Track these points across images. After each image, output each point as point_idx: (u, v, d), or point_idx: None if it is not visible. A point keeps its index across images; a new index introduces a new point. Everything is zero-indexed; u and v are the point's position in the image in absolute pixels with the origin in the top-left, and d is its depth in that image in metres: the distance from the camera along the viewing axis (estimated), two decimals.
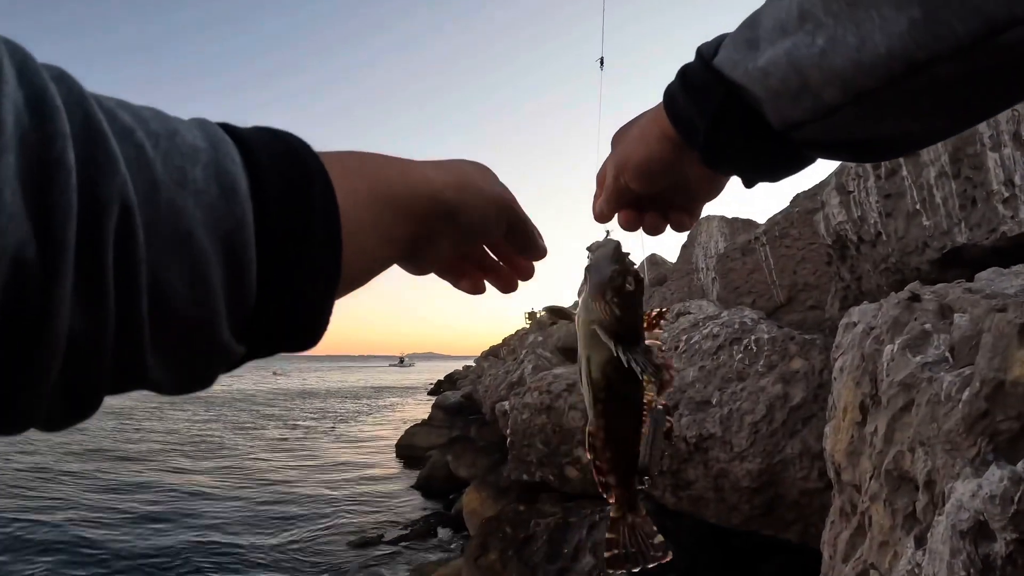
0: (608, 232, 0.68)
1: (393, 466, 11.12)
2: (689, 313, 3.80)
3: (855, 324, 1.93)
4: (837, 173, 3.30)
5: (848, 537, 1.63)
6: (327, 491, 9.19)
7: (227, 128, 0.36)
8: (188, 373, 0.34)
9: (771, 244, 4.69)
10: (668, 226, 0.68)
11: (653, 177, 0.62)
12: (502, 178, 0.56)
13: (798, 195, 5.16)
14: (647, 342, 0.67)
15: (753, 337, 3.11)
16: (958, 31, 0.37)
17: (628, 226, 0.67)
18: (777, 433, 2.76)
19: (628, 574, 0.68)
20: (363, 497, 8.83)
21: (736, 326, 3.23)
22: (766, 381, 2.90)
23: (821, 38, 0.43)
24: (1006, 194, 2.44)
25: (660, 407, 0.67)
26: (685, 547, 3.26)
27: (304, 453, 12.57)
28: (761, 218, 6.00)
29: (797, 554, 2.90)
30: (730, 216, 6.61)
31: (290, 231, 0.35)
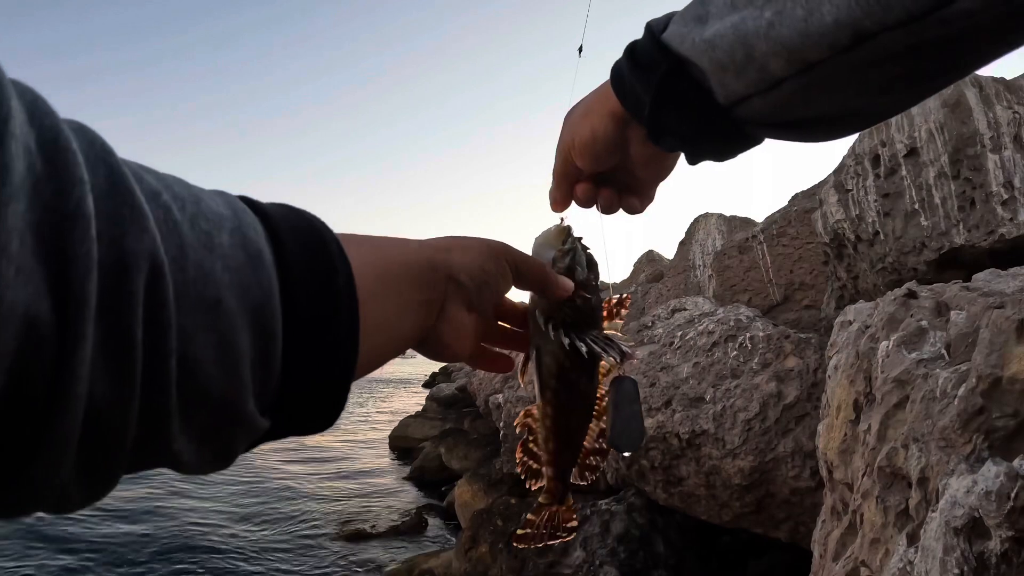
0: (563, 219, 0.66)
1: (386, 457, 11.12)
2: (685, 309, 3.79)
3: (850, 322, 1.92)
4: (836, 171, 3.29)
5: (839, 536, 1.63)
6: (317, 481, 9.19)
7: (245, 200, 0.36)
8: (212, 448, 0.32)
9: (768, 242, 4.68)
10: (621, 208, 0.68)
11: (599, 155, 0.61)
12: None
13: (797, 194, 5.16)
14: (606, 332, 0.66)
15: (748, 335, 3.11)
16: (907, 0, 0.37)
17: (585, 201, 0.66)
18: (770, 431, 2.75)
19: (529, 548, 0.70)
20: (354, 488, 8.83)
21: (731, 323, 3.22)
22: (760, 379, 2.89)
23: (769, 11, 0.43)
24: (1005, 196, 2.43)
25: (628, 377, 0.65)
26: (675, 544, 3.26)
27: (294, 442, 12.57)
28: (759, 216, 6.00)
29: (787, 552, 2.90)
30: (728, 214, 6.61)
31: (313, 303, 0.34)
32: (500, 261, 0.53)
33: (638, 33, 0.56)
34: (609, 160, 0.62)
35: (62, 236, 0.23)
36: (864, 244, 3.04)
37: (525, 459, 0.69)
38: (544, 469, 0.68)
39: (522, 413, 0.68)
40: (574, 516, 0.70)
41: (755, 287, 4.72)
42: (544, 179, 0.69)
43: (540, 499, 0.69)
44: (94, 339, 0.24)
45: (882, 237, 2.89)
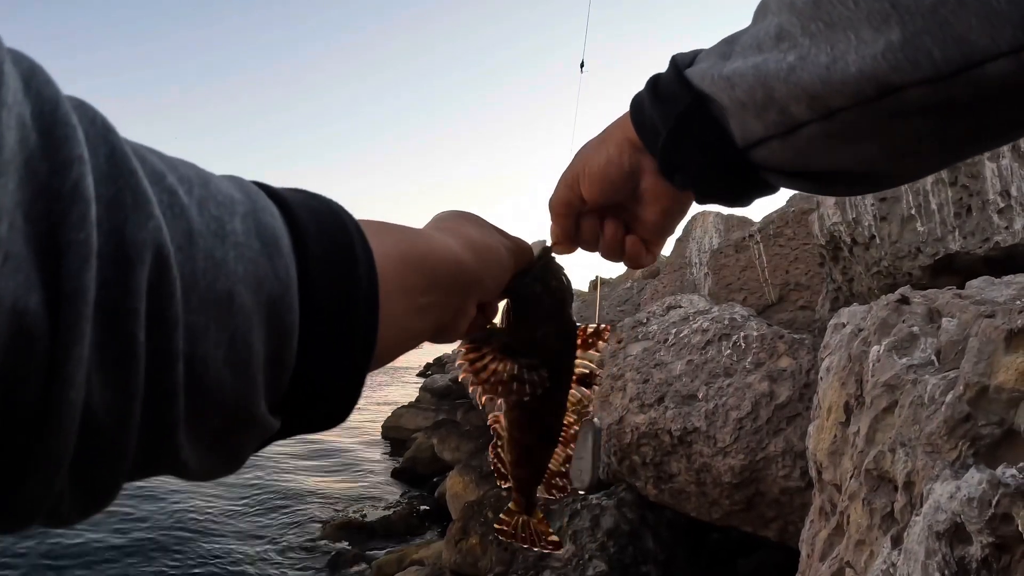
0: (545, 242, 0.63)
1: (378, 447, 11.14)
2: (680, 307, 3.80)
3: (844, 325, 1.94)
4: None
5: (826, 536, 1.64)
6: (308, 471, 9.19)
7: (258, 184, 0.33)
8: (221, 453, 0.30)
9: (765, 242, 4.69)
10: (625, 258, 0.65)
11: (611, 181, 0.59)
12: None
13: (794, 195, 5.17)
14: (580, 362, 0.63)
15: (742, 334, 3.12)
16: (936, 58, 0.35)
17: (590, 236, 0.64)
18: (761, 430, 2.77)
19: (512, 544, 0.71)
20: (345, 477, 8.85)
21: (726, 322, 3.23)
22: (753, 378, 2.91)
23: (792, 55, 0.42)
24: (1002, 204, 2.45)
25: (594, 421, 0.66)
26: (665, 540, 3.29)
27: None
28: (757, 216, 6.02)
29: (775, 551, 2.92)
30: (726, 213, 6.62)
31: (332, 296, 0.32)
32: (513, 260, 0.52)
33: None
34: (619, 189, 0.60)
35: (57, 220, 0.20)
36: (860, 247, 3.05)
37: (494, 460, 0.70)
38: (509, 479, 0.68)
39: (491, 418, 0.68)
40: (550, 531, 0.70)
41: (751, 286, 4.74)
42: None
43: (510, 504, 0.70)
44: (91, 340, 0.21)
45: (878, 241, 2.90)
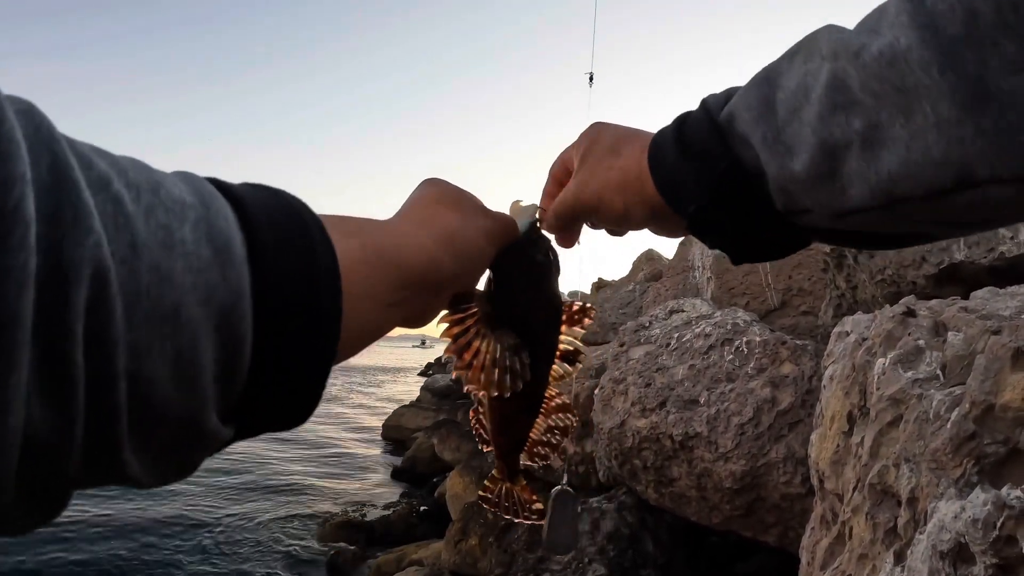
0: (531, 207, 0.61)
1: (379, 446, 11.15)
2: (683, 311, 3.80)
3: (848, 333, 1.93)
4: None
5: (827, 545, 1.64)
6: (308, 469, 9.20)
7: (215, 183, 0.32)
8: (169, 466, 0.29)
9: None
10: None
11: (621, 230, 0.59)
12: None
13: None
14: (564, 338, 0.62)
15: (745, 339, 3.12)
16: None
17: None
18: (763, 436, 2.77)
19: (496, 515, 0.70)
20: (346, 477, 8.85)
21: (728, 327, 3.23)
22: (755, 384, 2.91)
23: (858, 121, 0.37)
24: None
25: (568, 489, 0.66)
26: (664, 543, 3.29)
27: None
28: None
29: (774, 556, 2.92)
30: None
31: (289, 301, 0.31)
32: (495, 246, 0.51)
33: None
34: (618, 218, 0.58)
35: None
36: (864, 256, 3.05)
37: (476, 426, 0.70)
38: (491, 445, 0.68)
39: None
40: (535, 498, 0.69)
41: (753, 291, 4.73)
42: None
43: (493, 471, 0.70)
44: (28, 364, 0.21)
45: None
